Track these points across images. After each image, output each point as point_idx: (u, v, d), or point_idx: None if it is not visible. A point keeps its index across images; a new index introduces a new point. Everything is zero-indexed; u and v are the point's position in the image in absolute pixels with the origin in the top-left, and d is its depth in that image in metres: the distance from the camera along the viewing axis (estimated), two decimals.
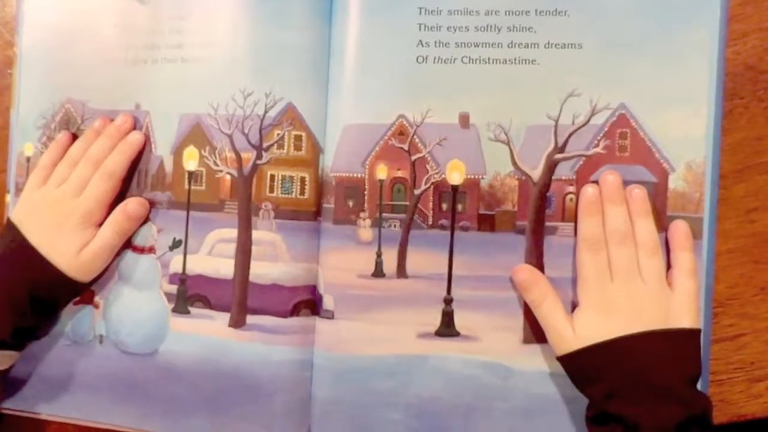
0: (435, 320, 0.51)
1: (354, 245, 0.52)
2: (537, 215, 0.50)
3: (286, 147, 0.53)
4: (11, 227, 0.50)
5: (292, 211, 0.53)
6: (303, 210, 0.53)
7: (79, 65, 0.56)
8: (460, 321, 0.51)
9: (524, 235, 0.50)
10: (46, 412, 0.56)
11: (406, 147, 0.51)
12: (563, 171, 0.50)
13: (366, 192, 0.52)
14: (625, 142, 0.49)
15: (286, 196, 0.53)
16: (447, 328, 0.51)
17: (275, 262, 0.52)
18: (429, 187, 0.52)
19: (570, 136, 0.49)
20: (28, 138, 0.58)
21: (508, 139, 0.50)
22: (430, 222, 0.52)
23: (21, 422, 0.57)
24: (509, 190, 0.51)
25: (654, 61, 0.48)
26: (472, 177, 0.51)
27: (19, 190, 0.57)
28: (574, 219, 0.49)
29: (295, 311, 0.52)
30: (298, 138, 0.53)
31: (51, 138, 0.57)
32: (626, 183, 0.47)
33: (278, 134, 0.52)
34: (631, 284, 0.45)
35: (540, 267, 0.49)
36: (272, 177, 0.53)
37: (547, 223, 0.50)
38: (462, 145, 0.51)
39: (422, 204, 0.52)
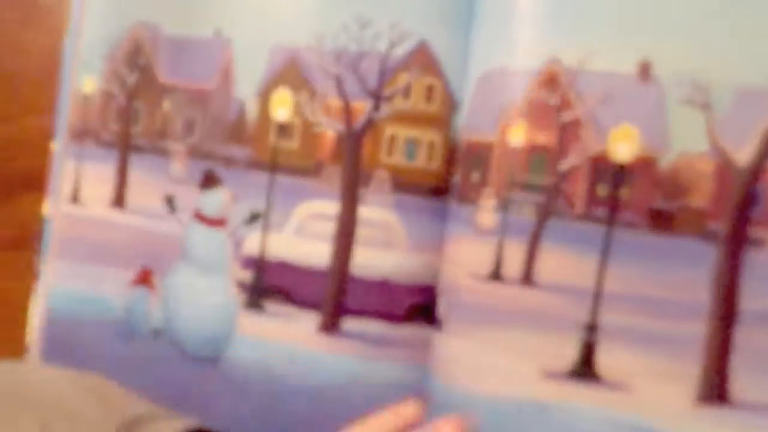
0: (569, 353, 0.43)
1: (471, 234, 0.45)
2: (738, 217, 0.41)
3: (413, 98, 0.47)
4: None
5: (416, 185, 0.47)
6: (429, 184, 0.47)
7: None
8: (605, 359, 0.42)
9: (716, 243, 0.41)
10: None
11: (555, 102, 0.43)
12: None
13: (494, 161, 0.45)
14: None
15: (410, 163, 0.47)
16: (585, 368, 0.43)
17: (388, 250, 0.47)
18: (582, 162, 0.44)
19: None
20: (88, 70, 0.53)
21: (707, 104, 0.40)
22: (579, 211, 0.44)
23: None
24: (700, 177, 0.42)
25: None
26: (648, 154, 0.43)
27: (74, 133, 0.51)
28: None
29: (408, 316, 0.46)
30: (429, 88, 0.46)
31: (115, 72, 0.52)
32: None
33: (405, 80, 0.47)
34: None
35: (733, 291, 0.40)
36: (392, 138, 0.47)
37: (753, 230, 0.41)
38: (637, 106, 0.42)
39: (569, 184, 0.44)
